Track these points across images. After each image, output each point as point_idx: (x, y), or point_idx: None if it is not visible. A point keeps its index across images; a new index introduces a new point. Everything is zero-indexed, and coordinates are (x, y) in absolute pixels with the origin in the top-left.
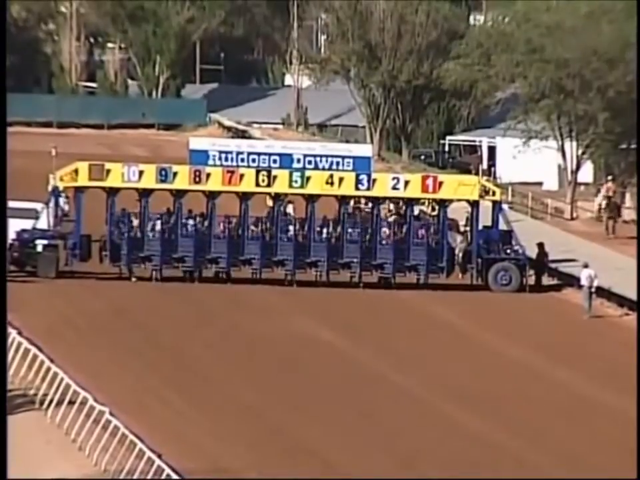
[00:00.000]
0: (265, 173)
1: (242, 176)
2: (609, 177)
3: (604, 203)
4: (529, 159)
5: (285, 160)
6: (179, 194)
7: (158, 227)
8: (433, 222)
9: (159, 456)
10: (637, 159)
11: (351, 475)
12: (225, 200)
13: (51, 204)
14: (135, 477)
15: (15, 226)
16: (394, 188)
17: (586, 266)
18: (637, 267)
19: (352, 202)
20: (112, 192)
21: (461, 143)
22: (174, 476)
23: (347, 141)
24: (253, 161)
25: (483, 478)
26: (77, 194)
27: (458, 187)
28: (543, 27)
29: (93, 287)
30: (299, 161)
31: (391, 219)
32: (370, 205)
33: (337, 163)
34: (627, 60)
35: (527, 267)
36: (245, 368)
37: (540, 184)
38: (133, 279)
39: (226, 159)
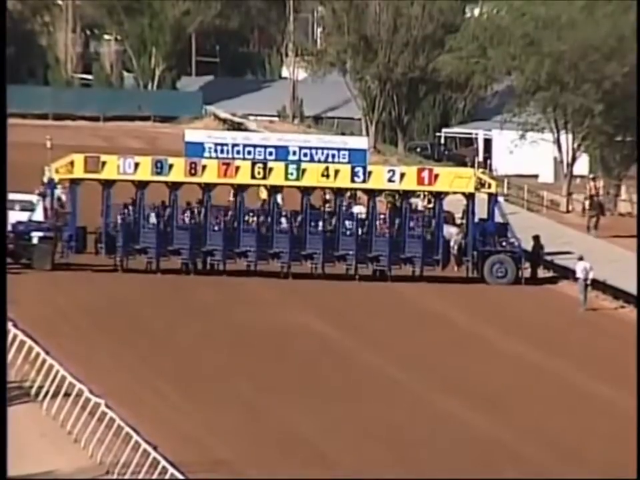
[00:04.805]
0: (260, 165)
1: (237, 168)
2: (592, 176)
3: (587, 203)
4: (524, 151)
5: (281, 152)
6: (174, 186)
7: (153, 219)
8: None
9: (155, 448)
10: (638, 152)
11: (345, 466)
12: (220, 192)
13: (47, 196)
14: (130, 469)
15: (10, 218)
16: (390, 180)
17: (581, 258)
18: (637, 261)
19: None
20: (107, 184)
21: (456, 135)
22: (170, 468)
23: (343, 133)
24: (249, 153)
25: (478, 471)
26: (72, 186)
27: (454, 180)
28: (539, 21)
29: (88, 278)
30: (294, 153)
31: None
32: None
33: (333, 156)
34: (623, 52)
35: (522, 259)
36: (240, 360)
37: (536, 176)
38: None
39: (221, 151)
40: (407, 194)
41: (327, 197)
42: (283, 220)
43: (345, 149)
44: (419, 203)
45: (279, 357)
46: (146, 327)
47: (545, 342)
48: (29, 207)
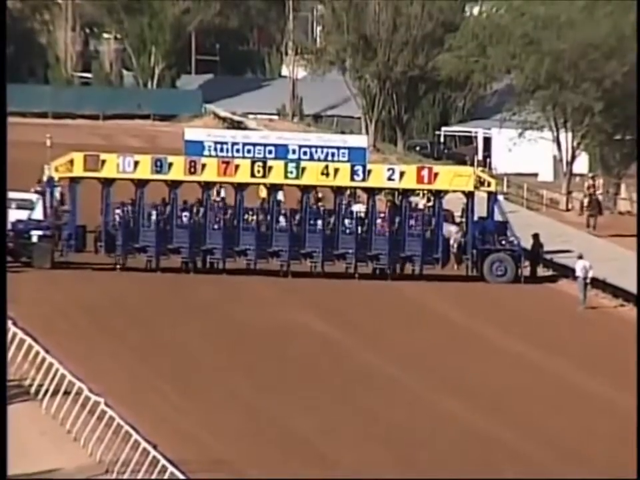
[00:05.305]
0: (260, 163)
1: (237, 167)
2: (590, 174)
3: (586, 201)
4: (524, 150)
5: (281, 151)
6: (174, 185)
7: (153, 218)
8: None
9: (154, 447)
10: (638, 151)
11: (345, 466)
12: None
13: (46, 194)
14: (130, 467)
15: (10, 216)
16: (389, 179)
17: (581, 257)
18: (637, 260)
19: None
20: (107, 183)
21: (456, 133)
22: (169, 467)
23: (342, 132)
24: (248, 151)
25: (478, 470)
26: (71, 184)
27: (453, 178)
28: (538, 20)
29: (87, 277)
30: (294, 151)
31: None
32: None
33: (332, 154)
34: (623, 51)
35: (522, 257)
36: (240, 359)
37: (535, 175)
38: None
39: (221, 150)
40: (407, 192)
41: (320, 195)
42: (282, 218)
43: (344, 148)
44: (420, 202)
45: (279, 356)
46: (145, 326)
47: (544, 340)
48: (25, 206)
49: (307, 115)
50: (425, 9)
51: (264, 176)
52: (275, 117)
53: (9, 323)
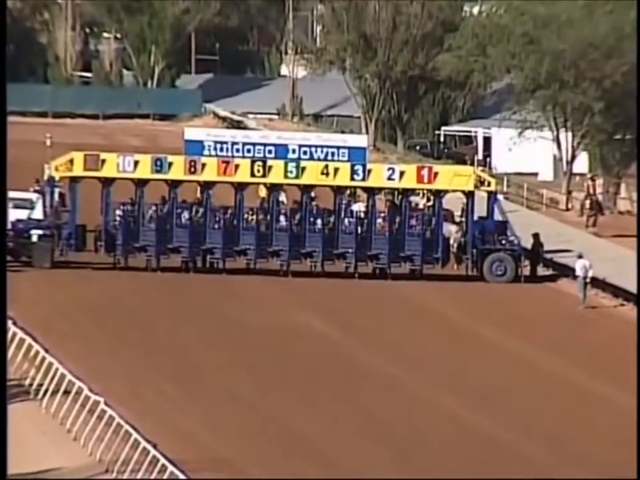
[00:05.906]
0: (260, 163)
1: (237, 166)
2: (589, 175)
3: (587, 203)
4: (524, 149)
5: (280, 150)
6: (174, 184)
7: (153, 217)
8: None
9: (154, 446)
10: (638, 150)
11: (345, 465)
12: (219, 190)
13: (46, 194)
14: (130, 466)
15: (10, 216)
16: (389, 178)
17: (581, 256)
18: (637, 259)
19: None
20: (107, 182)
21: (456, 133)
22: (169, 466)
23: (342, 132)
24: (248, 151)
25: (478, 470)
26: (71, 184)
27: (453, 178)
28: (538, 19)
29: (87, 276)
30: (294, 151)
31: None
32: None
33: (332, 154)
34: (623, 51)
35: (522, 257)
36: (240, 358)
37: (535, 174)
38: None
39: (221, 149)
40: (407, 192)
41: (313, 194)
42: (282, 218)
43: (344, 147)
44: (420, 201)
45: (279, 355)
46: (145, 325)
47: (544, 340)
48: (24, 205)
49: (307, 115)
50: (425, 8)
51: (264, 175)
52: (275, 117)
53: (9, 322)
